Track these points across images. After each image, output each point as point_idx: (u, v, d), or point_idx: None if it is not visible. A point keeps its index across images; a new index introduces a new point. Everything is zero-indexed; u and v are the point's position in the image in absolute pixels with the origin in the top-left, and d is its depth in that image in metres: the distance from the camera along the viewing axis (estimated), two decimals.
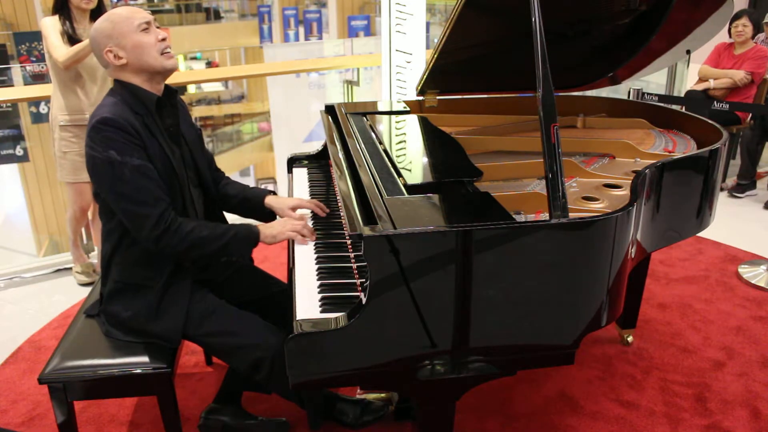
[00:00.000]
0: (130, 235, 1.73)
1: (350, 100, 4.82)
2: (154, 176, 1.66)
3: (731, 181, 4.58)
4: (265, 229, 1.79)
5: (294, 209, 1.98)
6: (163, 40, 1.72)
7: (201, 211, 1.90)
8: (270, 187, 2.11)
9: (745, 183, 4.48)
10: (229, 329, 1.77)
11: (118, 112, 1.64)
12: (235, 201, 2.04)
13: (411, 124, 2.30)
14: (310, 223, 1.92)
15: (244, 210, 2.05)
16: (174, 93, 1.83)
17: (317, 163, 2.51)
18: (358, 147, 1.99)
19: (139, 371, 1.73)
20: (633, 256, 1.68)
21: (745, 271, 3.23)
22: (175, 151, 1.78)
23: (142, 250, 1.74)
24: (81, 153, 2.97)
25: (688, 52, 2.54)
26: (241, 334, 1.76)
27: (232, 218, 2.01)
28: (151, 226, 1.63)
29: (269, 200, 2.00)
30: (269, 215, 2.02)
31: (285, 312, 1.78)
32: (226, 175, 2.11)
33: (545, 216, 1.68)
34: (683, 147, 2.31)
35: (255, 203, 2.02)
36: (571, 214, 1.45)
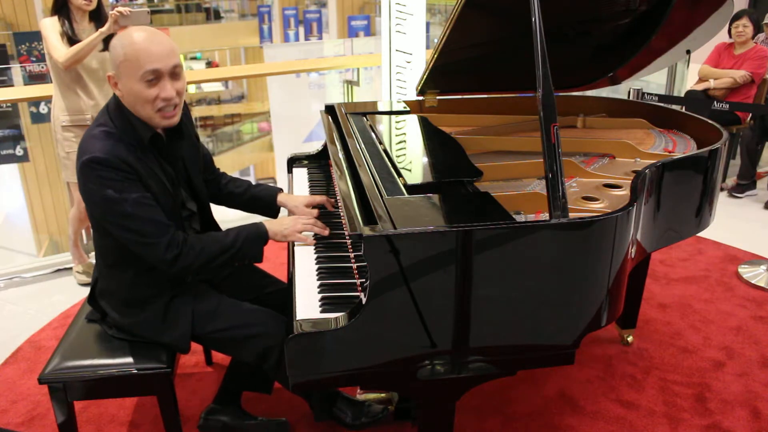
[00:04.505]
0: (126, 259, 1.71)
1: (350, 100, 4.82)
2: (153, 203, 1.62)
3: (731, 181, 4.58)
4: (274, 226, 1.77)
5: (308, 206, 1.99)
6: (167, 99, 1.58)
7: (198, 223, 1.90)
8: None
9: (745, 183, 4.48)
10: (235, 322, 1.77)
11: (108, 149, 1.56)
12: (242, 199, 2.04)
13: (411, 124, 2.30)
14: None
15: (254, 208, 2.06)
16: (177, 130, 1.71)
17: (317, 163, 2.51)
18: (358, 147, 1.99)
19: (139, 371, 1.73)
20: (633, 256, 1.68)
21: (745, 271, 3.23)
22: (168, 172, 1.72)
23: (139, 272, 1.72)
24: None
25: (688, 52, 2.54)
26: (248, 325, 1.76)
27: (235, 215, 2.01)
28: (163, 252, 1.61)
29: (282, 198, 2.02)
30: (278, 213, 2.04)
31: (284, 308, 1.78)
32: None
33: (545, 216, 1.68)
34: (683, 147, 2.31)
35: (266, 202, 2.02)
36: (571, 214, 1.45)
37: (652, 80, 5.40)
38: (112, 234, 1.65)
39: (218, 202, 2.05)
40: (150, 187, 1.64)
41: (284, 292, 1.96)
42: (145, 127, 1.64)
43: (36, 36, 6.27)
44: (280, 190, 2.06)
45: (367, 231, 1.35)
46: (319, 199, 2.02)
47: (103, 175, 1.55)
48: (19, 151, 5.39)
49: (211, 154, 2.06)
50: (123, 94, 1.61)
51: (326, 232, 1.80)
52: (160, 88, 1.58)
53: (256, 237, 1.75)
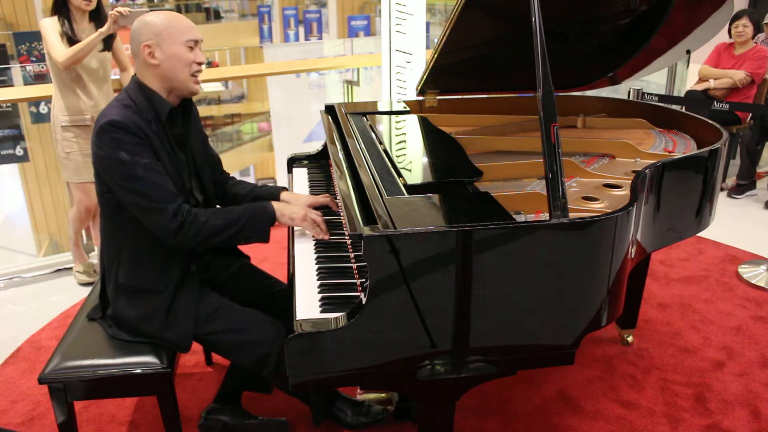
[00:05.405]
0: (135, 238, 1.73)
1: (350, 100, 4.82)
2: (164, 172, 1.68)
3: (731, 181, 4.58)
4: (284, 208, 1.80)
5: (311, 206, 1.99)
6: (201, 63, 1.73)
7: None
8: None
9: (745, 183, 4.48)
10: (235, 326, 1.77)
11: (126, 115, 1.64)
12: (246, 200, 2.05)
13: (411, 124, 2.30)
14: None
15: None
16: (189, 104, 1.85)
17: (317, 163, 2.51)
18: (358, 147, 1.99)
19: (139, 371, 1.73)
20: (633, 256, 1.68)
21: (745, 271, 3.23)
22: (180, 158, 1.78)
23: (147, 253, 1.75)
24: (83, 153, 2.97)
25: (688, 52, 2.54)
26: (247, 330, 1.76)
27: None
28: (168, 220, 1.64)
29: (285, 196, 2.03)
30: None
31: (285, 312, 1.78)
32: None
33: (545, 216, 1.68)
34: (683, 147, 2.31)
35: (270, 200, 2.02)
36: (571, 214, 1.45)
37: (652, 80, 5.40)
38: (121, 200, 1.67)
39: (223, 204, 2.06)
40: (162, 160, 1.69)
41: (284, 294, 1.96)
42: (163, 102, 1.72)
43: (36, 36, 6.26)
44: (284, 188, 2.06)
45: (367, 231, 1.35)
46: (322, 199, 2.02)
47: (117, 137, 1.62)
48: (19, 151, 5.38)
49: (219, 157, 2.08)
50: (160, 61, 1.69)
51: (327, 236, 1.81)
52: (196, 54, 1.73)
53: (263, 215, 1.76)
